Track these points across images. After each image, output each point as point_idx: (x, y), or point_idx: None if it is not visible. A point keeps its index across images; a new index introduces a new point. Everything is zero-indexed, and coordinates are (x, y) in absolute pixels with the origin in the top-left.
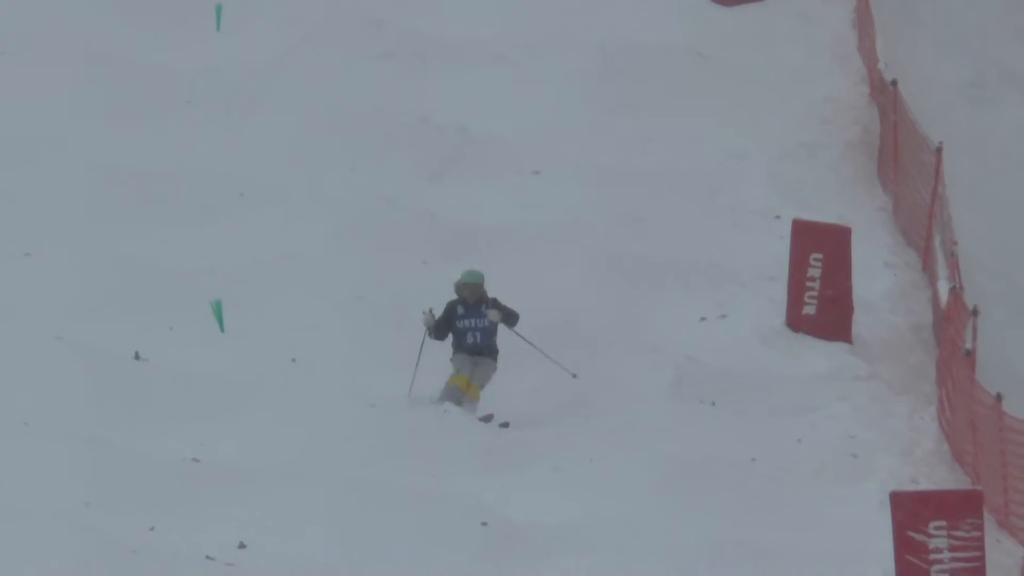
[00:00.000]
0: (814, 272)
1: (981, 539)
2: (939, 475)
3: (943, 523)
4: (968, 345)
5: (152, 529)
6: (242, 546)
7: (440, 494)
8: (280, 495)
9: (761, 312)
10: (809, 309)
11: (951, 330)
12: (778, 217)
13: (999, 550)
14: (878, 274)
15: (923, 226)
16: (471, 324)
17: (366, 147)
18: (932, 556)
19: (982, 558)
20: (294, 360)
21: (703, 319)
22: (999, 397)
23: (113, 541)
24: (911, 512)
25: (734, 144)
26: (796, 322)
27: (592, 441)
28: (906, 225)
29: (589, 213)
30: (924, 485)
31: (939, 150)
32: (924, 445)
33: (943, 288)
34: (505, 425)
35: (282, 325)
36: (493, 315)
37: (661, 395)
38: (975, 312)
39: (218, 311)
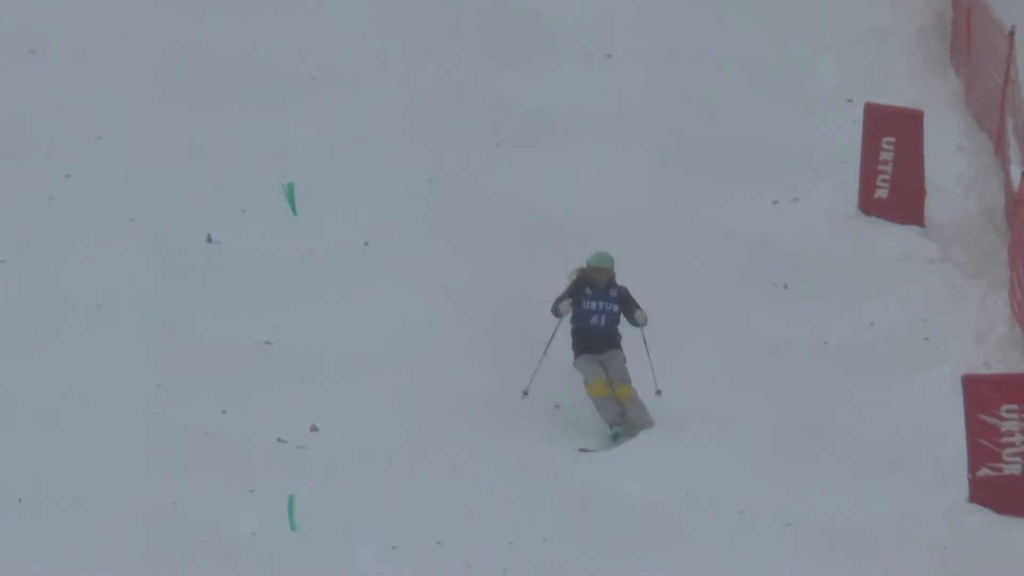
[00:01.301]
0: (886, 156)
1: None
2: (1011, 359)
3: (1015, 406)
4: None
5: (224, 412)
6: (314, 429)
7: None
8: (352, 380)
9: (833, 196)
10: (881, 193)
11: (1023, 214)
12: (850, 101)
13: None
14: (950, 158)
15: (996, 110)
16: (598, 307)
17: (438, 31)
18: (1004, 439)
19: None
20: (366, 244)
21: (775, 203)
22: None
23: (185, 424)
24: (983, 395)
25: (806, 29)
26: (868, 206)
27: (665, 326)
28: (979, 109)
29: (661, 98)
30: (996, 369)
31: (1011, 34)
32: (996, 329)
33: (1016, 172)
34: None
35: (354, 209)
36: (641, 318)
37: (733, 279)
38: None
39: (291, 195)
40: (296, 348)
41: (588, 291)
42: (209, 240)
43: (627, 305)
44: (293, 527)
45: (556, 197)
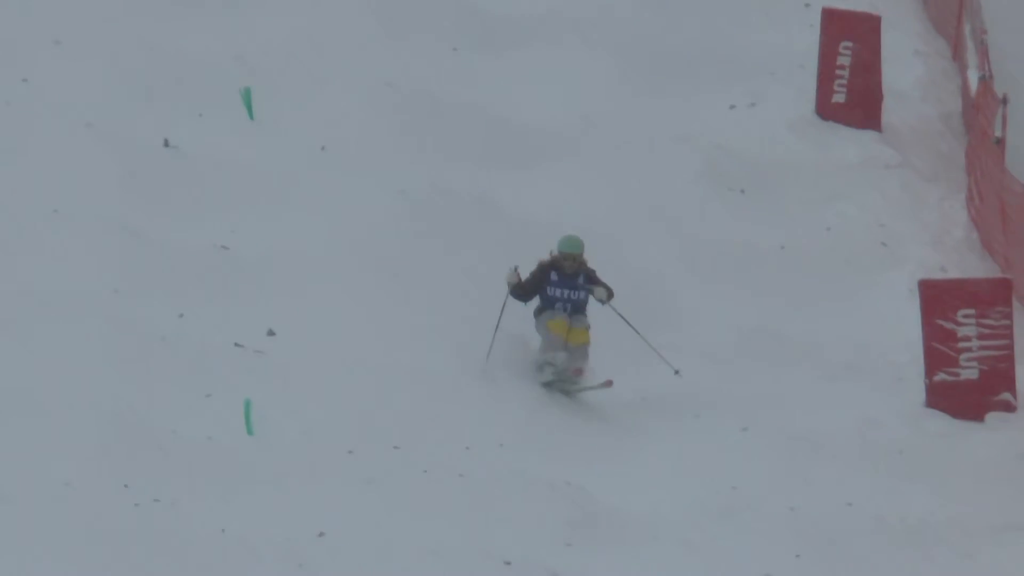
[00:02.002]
0: (844, 60)
1: (1010, 327)
2: (968, 263)
3: (972, 311)
4: (998, 133)
5: (181, 317)
6: (271, 334)
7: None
8: (310, 284)
9: (791, 101)
10: (839, 97)
11: (981, 118)
12: (807, 5)
13: None
14: (908, 62)
15: (953, 15)
16: (564, 294)
17: None
18: (960, 344)
19: (1011, 346)
20: (323, 148)
21: (732, 107)
22: None
23: (142, 328)
24: (940, 300)
25: None
26: (826, 110)
27: (620, 221)
28: (936, 14)
29: (621, 3)
30: (953, 273)
31: None
32: (954, 233)
33: (973, 76)
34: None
35: (311, 114)
36: (600, 293)
37: (691, 182)
38: (1005, 100)
39: (247, 99)
40: (253, 253)
41: (554, 277)
42: (166, 144)
43: (592, 286)
44: (250, 431)
45: (515, 101)
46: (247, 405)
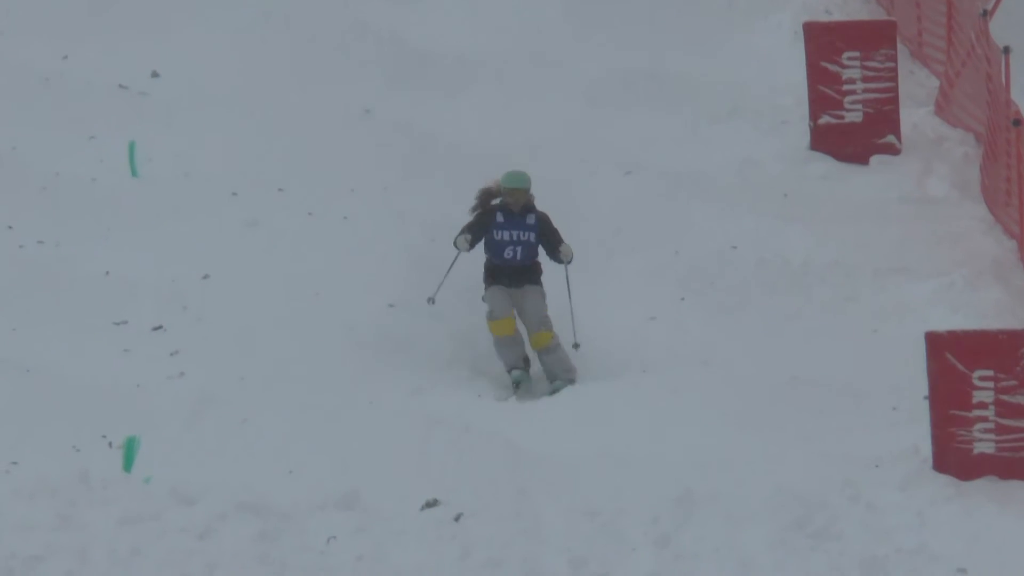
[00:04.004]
0: None
1: (895, 70)
2: (852, 7)
3: (857, 53)
4: None
5: (65, 58)
6: (155, 75)
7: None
8: (194, 21)
9: None
10: None
11: None
12: None
13: (912, 81)
14: None
15: None
16: (512, 236)
17: None
18: (845, 87)
19: (895, 88)
20: None
21: None
22: None
23: (25, 69)
24: (824, 42)
25: None
26: None
27: None
28: None
29: None
30: (837, 16)
31: None
32: None
33: None
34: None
35: None
36: (566, 252)
37: None
38: None
39: None
40: None
41: (500, 218)
42: None
43: (548, 237)
44: (134, 173)
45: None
46: (131, 146)
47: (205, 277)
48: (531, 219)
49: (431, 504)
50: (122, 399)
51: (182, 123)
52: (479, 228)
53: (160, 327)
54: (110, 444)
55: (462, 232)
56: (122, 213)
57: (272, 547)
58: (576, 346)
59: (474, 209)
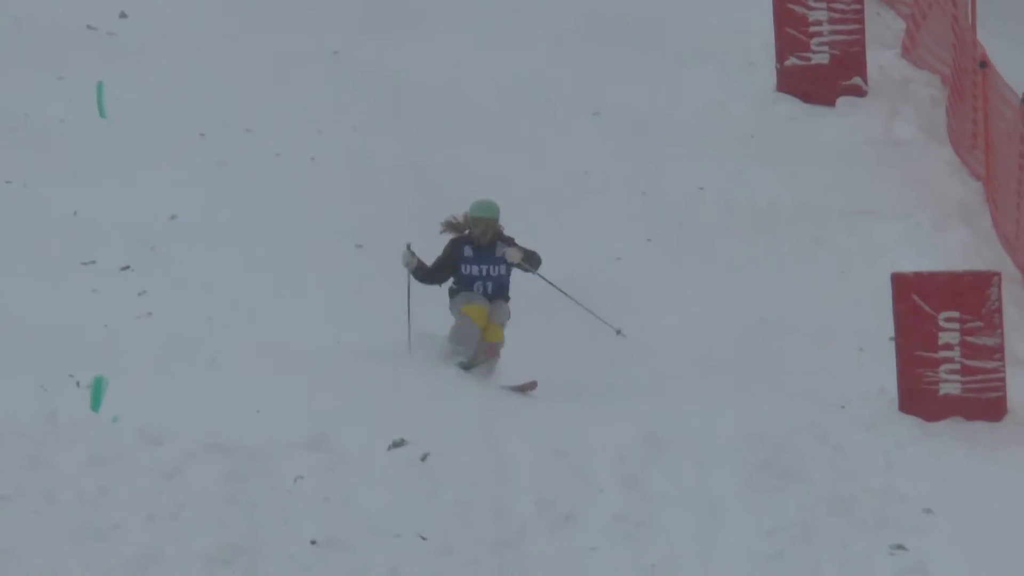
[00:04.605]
0: None
1: (861, 11)
2: None
3: (823, 3)
4: None
5: None
6: (123, 16)
7: None
8: None
9: None
10: None
11: None
12: None
13: (878, 23)
14: None
15: None
16: (482, 271)
17: None
18: (812, 28)
19: (862, 31)
20: None
21: None
22: None
23: None
24: None
25: None
26: None
27: None
28: None
29: None
30: None
31: None
32: None
33: None
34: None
35: None
36: (512, 255)
37: None
38: None
39: None
40: None
41: (468, 251)
42: None
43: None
44: (102, 114)
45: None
46: (99, 87)
47: (173, 218)
48: (501, 250)
49: (398, 444)
50: (90, 339)
51: (150, 64)
52: (445, 264)
53: (128, 267)
54: (78, 384)
55: (428, 270)
56: (90, 154)
57: (240, 487)
58: (619, 332)
59: (443, 231)
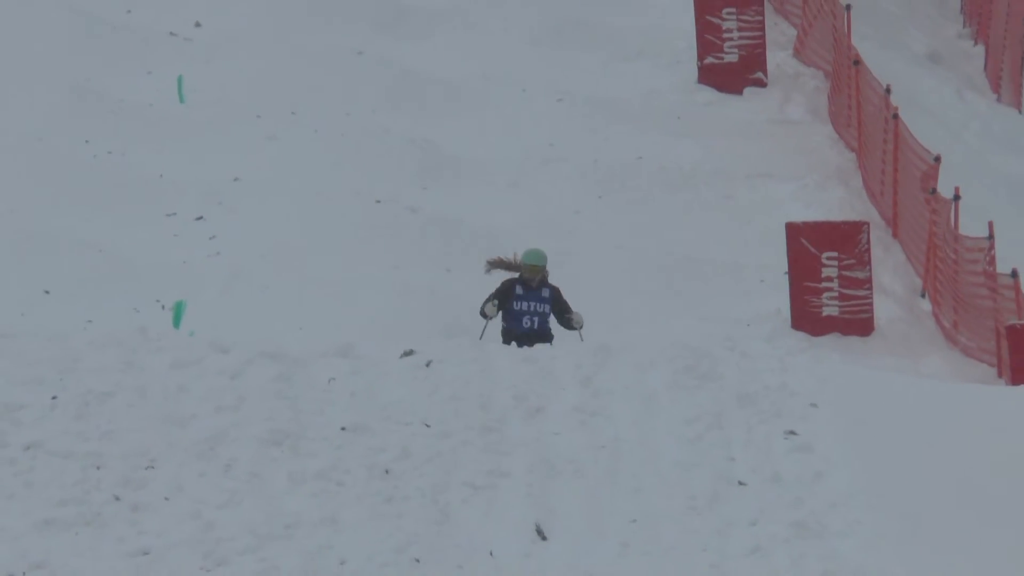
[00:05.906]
0: None
1: (762, 22)
2: None
3: (733, 9)
4: None
5: (128, 12)
6: (198, 25)
7: None
8: None
9: None
10: None
11: None
12: None
13: (776, 30)
14: None
15: None
16: (529, 307)
17: None
18: (724, 35)
19: (763, 36)
20: None
21: None
22: None
23: (95, 16)
24: (708, 1)
25: None
26: None
27: None
28: None
29: None
30: None
31: None
32: None
33: None
34: None
35: None
36: (577, 320)
37: None
38: None
39: None
40: None
41: (519, 290)
42: None
43: (559, 307)
44: (182, 100)
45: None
46: (179, 80)
47: (236, 180)
48: (546, 292)
49: (408, 353)
50: (172, 272)
51: (218, 61)
52: (503, 297)
53: (201, 217)
54: (163, 307)
55: (489, 299)
56: (172, 131)
57: (287, 385)
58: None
59: (490, 270)
